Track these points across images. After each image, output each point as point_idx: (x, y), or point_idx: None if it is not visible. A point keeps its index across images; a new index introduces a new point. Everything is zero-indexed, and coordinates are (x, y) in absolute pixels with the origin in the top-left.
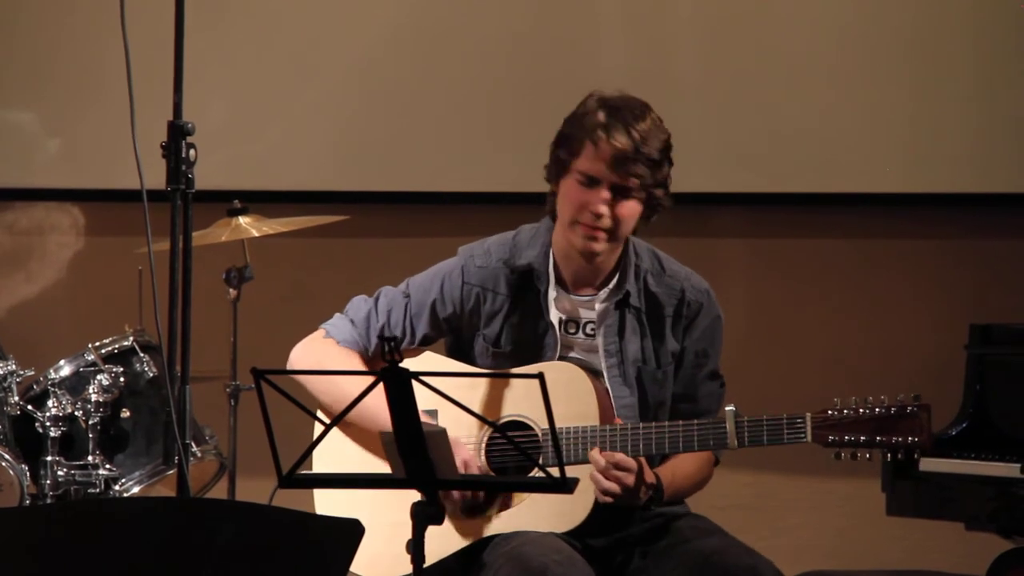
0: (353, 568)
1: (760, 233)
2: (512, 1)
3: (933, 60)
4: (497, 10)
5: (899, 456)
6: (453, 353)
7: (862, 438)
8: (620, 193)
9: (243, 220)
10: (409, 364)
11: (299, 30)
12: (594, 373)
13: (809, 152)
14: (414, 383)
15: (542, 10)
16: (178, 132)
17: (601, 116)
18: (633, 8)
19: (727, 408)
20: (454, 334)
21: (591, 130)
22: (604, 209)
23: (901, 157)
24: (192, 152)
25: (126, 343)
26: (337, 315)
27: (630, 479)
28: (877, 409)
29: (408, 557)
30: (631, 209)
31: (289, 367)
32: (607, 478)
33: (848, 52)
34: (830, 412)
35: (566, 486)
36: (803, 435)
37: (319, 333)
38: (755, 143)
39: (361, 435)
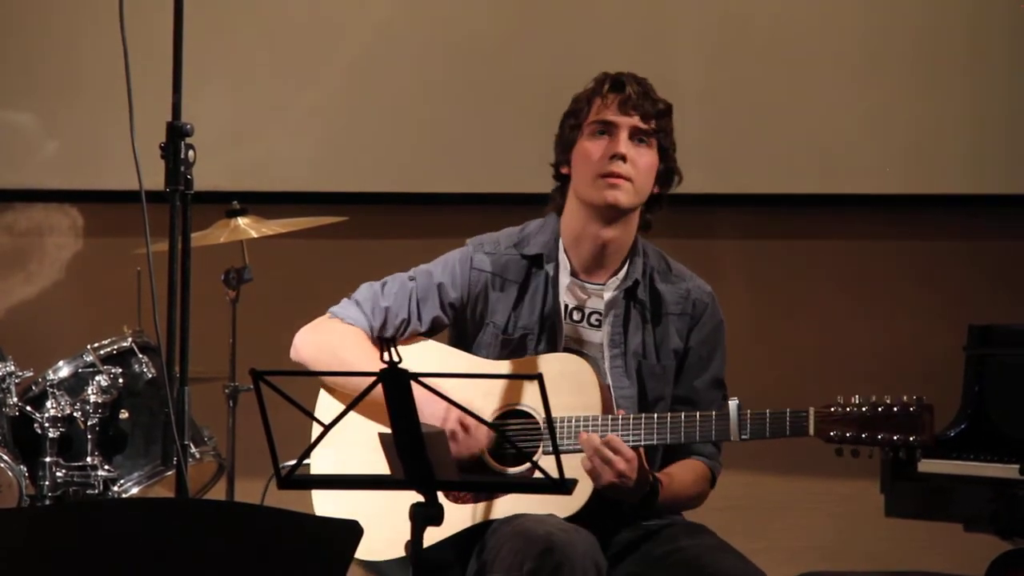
0: None
1: (760, 234)
2: (511, 2)
3: (934, 61)
4: (495, 11)
5: (900, 454)
6: (457, 342)
7: (864, 435)
8: (636, 136)
9: (242, 221)
10: (411, 352)
11: (297, 31)
12: (598, 367)
13: (809, 153)
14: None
15: (541, 11)
16: (177, 133)
17: (604, 75)
18: (633, 9)
19: (730, 401)
20: (458, 321)
21: (596, 88)
22: (625, 150)
23: (901, 158)
24: (191, 153)
25: (125, 344)
26: (344, 299)
27: (622, 464)
28: (880, 407)
29: (403, 541)
30: (650, 158)
31: (293, 350)
32: (601, 459)
33: (848, 53)
34: (834, 408)
35: (565, 487)
36: (806, 429)
37: (324, 317)
38: (755, 144)
39: (362, 431)
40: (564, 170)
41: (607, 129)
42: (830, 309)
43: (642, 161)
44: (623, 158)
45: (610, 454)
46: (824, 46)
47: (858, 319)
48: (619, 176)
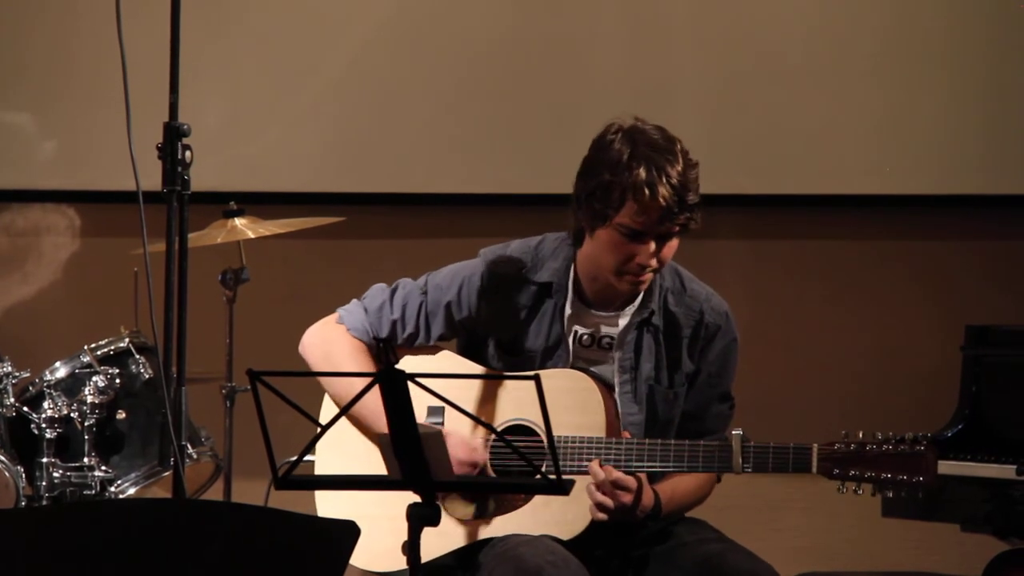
0: (352, 561)
1: (760, 234)
2: (509, 2)
3: (933, 61)
4: (493, 11)
5: (902, 495)
6: (464, 352)
7: (867, 474)
8: (664, 238)
9: (239, 222)
10: (421, 362)
11: (295, 31)
12: (607, 386)
13: (808, 154)
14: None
15: (539, 11)
16: (174, 133)
17: (641, 173)
18: (630, 8)
19: (735, 432)
20: (468, 334)
21: (634, 188)
22: (652, 260)
23: (901, 158)
24: (188, 153)
25: (122, 345)
26: (354, 301)
27: (627, 497)
28: (885, 446)
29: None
30: (673, 247)
31: (300, 346)
32: (604, 492)
33: (847, 54)
34: (837, 445)
35: (562, 488)
36: (808, 466)
37: (333, 317)
38: (754, 145)
39: (364, 430)
40: (584, 227)
41: (636, 236)
42: (829, 309)
43: (667, 252)
44: (648, 266)
45: (616, 491)
46: (824, 47)
47: (856, 319)
48: (643, 274)
